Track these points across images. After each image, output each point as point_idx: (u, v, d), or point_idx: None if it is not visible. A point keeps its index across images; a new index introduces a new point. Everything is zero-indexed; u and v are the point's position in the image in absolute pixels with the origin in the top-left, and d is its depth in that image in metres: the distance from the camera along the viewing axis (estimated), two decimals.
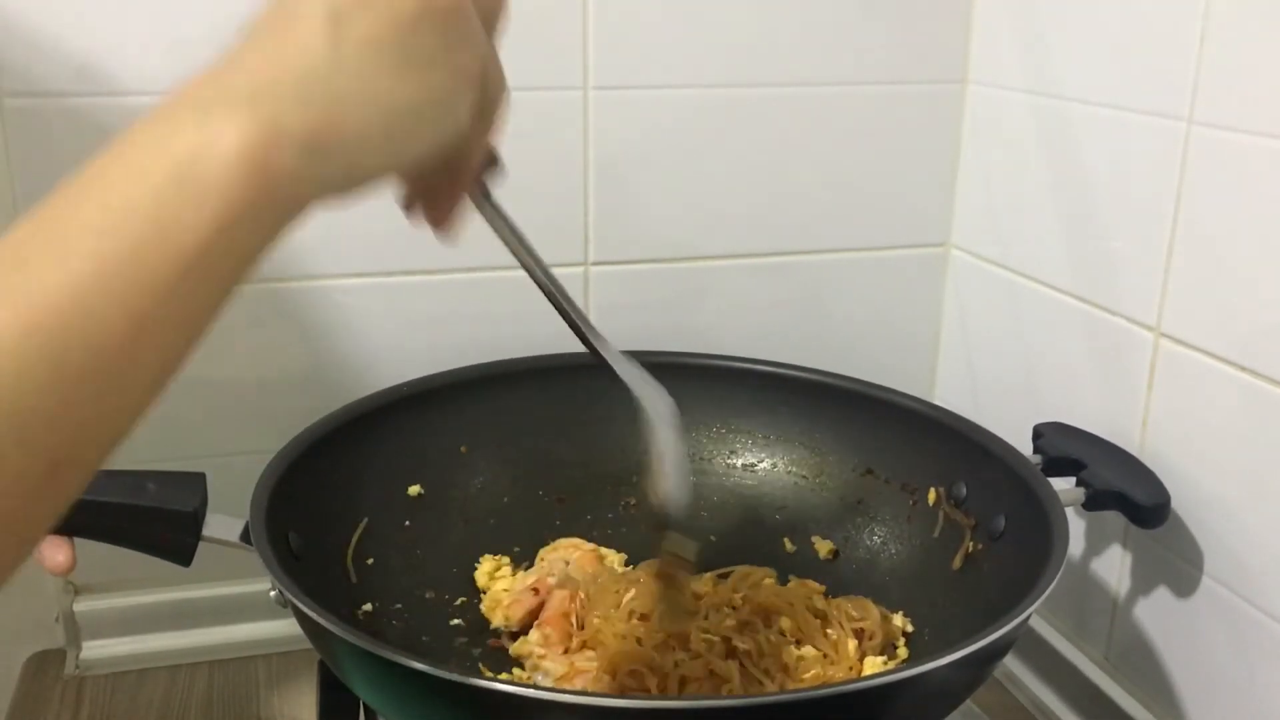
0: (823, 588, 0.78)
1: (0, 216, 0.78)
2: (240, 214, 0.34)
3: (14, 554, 0.33)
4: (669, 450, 0.60)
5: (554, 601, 0.75)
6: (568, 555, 0.80)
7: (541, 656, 0.71)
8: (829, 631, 0.73)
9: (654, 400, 0.61)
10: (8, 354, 0.31)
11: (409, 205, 0.47)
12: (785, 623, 0.73)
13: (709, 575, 0.78)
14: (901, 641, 0.75)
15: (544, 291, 0.57)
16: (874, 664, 0.71)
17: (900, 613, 0.76)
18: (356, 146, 0.38)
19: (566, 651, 0.71)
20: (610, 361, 0.59)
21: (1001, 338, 0.94)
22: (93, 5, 0.76)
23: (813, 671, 0.69)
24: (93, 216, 0.33)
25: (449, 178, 0.47)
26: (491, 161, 0.50)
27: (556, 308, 0.57)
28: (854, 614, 0.74)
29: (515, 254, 0.55)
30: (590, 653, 0.70)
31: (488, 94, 0.45)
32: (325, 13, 0.38)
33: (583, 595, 0.74)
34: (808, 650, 0.71)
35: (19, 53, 0.76)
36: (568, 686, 0.67)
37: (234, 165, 0.34)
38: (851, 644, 0.71)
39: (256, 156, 0.34)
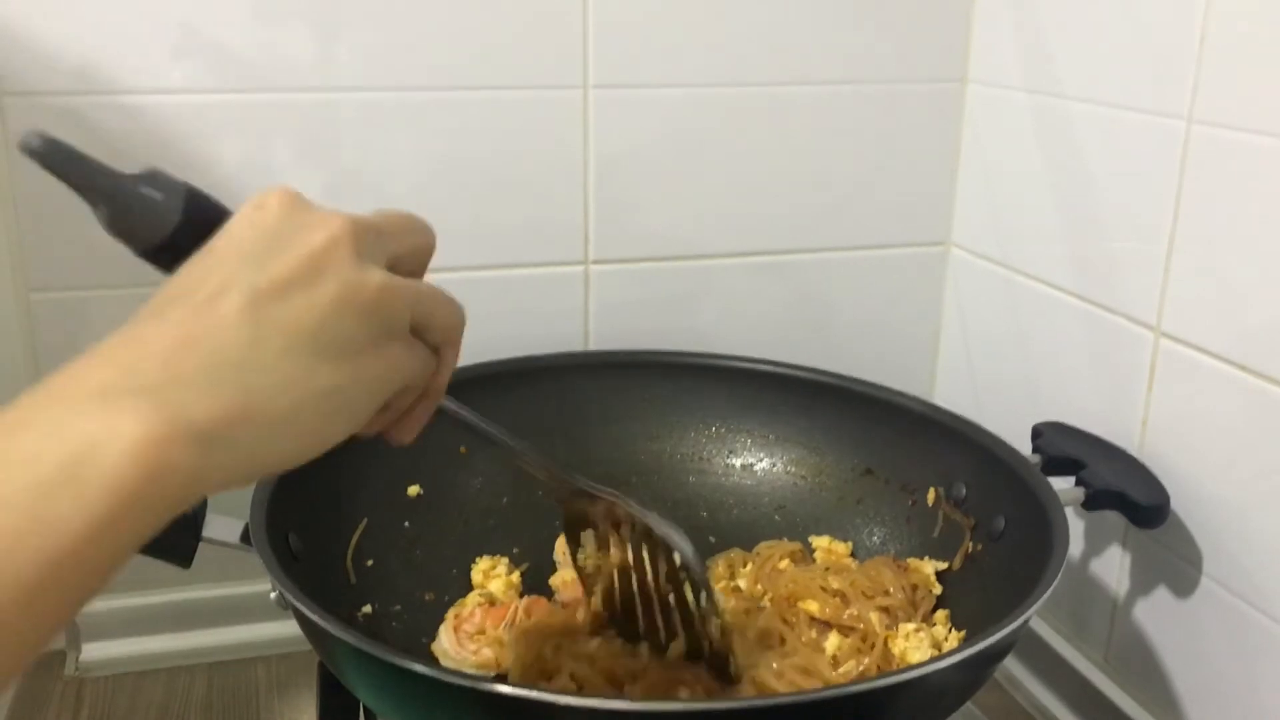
0: (845, 548, 0.80)
1: (0, 216, 0.78)
2: (127, 510, 0.32)
3: None
4: (664, 526, 0.63)
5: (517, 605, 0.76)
6: (568, 571, 0.80)
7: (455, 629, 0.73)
8: (851, 610, 0.73)
9: (677, 541, 0.62)
10: None
11: (369, 431, 0.46)
12: (811, 606, 0.73)
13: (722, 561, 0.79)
14: (936, 589, 0.75)
15: (538, 471, 0.61)
16: (906, 630, 0.71)
17: (927, 558, 0.77)
18: (264, 436, 0.37)
19: (471, 637, 0.73)
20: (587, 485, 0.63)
21: (1001, 337, 0.94)
22: (93, 5, 0.76)
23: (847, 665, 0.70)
24: None
25: (412, 406, 0.47)
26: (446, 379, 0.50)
27: (551, 478, 0.61)
28: (869, 591, 0.74)
29: (490, 441, 0.58)
30: (487, 651, 0.71)
31: (443, 328, 0.45)
32: (244, 298, 0.37)
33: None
34: (833, 639, 0.71)
35: (19, 53, 0.76)
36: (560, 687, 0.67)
37: (128, 461, 0.32)
38: (874, 616, 0.72)
39: (153, 453, 0.33)
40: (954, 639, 0.71)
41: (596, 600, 0.69)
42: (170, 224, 0.43)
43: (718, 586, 0.77)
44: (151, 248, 0.43)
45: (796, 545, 0.82)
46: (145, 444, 0.33)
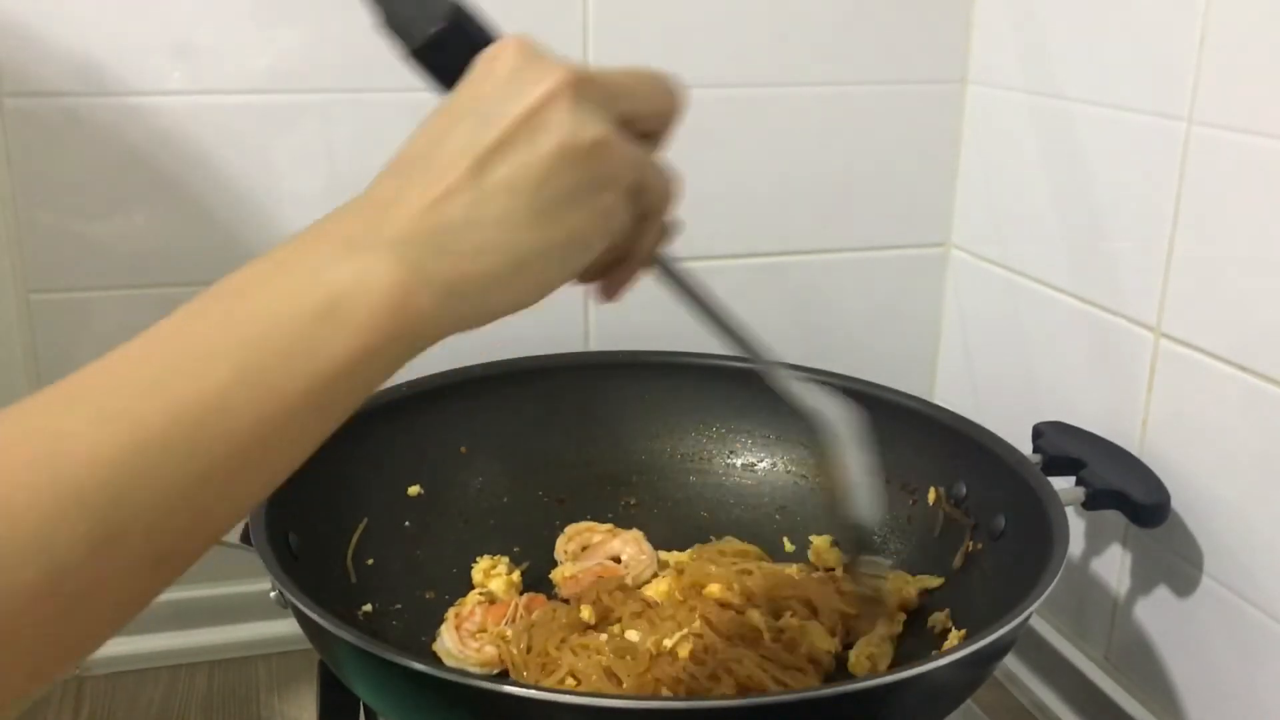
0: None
1: (0, 216, 0.78)
2: (376, 349, 0.37)
3: (104, 631, 0.35)
4: (855, 467, 0.61)
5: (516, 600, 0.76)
6: (573, 565, 0.80)
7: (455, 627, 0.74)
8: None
9: (834, 414, 0.62)
10: (141, 449, 0.33)
11: (581, 282, 0.48)
12: (714, 590, 0.75)
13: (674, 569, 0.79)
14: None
15: (727, 334, 0.60)
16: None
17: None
18: (488, 289, 0.40)
19: (473, 635, 0.73)
20: (782, 382, 0.61)
21: (1001, 338, 0.94)
22: (93, 5, 0.76)
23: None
24: (243, 329, 0.36)
25: (618, 268, 0.48)
26: (665, 237, 0.51)
27: (734, 340, 0.60)
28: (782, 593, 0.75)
29: (699, 313, 0.58)
30: (490, 649, 0.71)
31: (652, 196, 0.46)
32: (469, 158, 0.40)
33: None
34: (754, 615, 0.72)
35: (19, 53, 0.76)
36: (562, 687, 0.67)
37: (379, 306, 0.37)
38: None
39: (399, 299, 0.37)
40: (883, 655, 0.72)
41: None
42: (433, 28, 0.45)
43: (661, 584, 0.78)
44: (415, 48, 0.45)
45: (751, 547, 0.82)
46: (396, 290, 0.37)
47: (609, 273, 0.48)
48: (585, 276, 0.47)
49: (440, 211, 0.39)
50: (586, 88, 0.42)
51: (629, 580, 0.78)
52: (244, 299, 0.37)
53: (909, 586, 0.75)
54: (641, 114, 0.44)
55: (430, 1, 0.46)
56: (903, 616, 0.74)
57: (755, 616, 0.72)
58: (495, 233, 0.40)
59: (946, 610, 0.73)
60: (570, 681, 0.67)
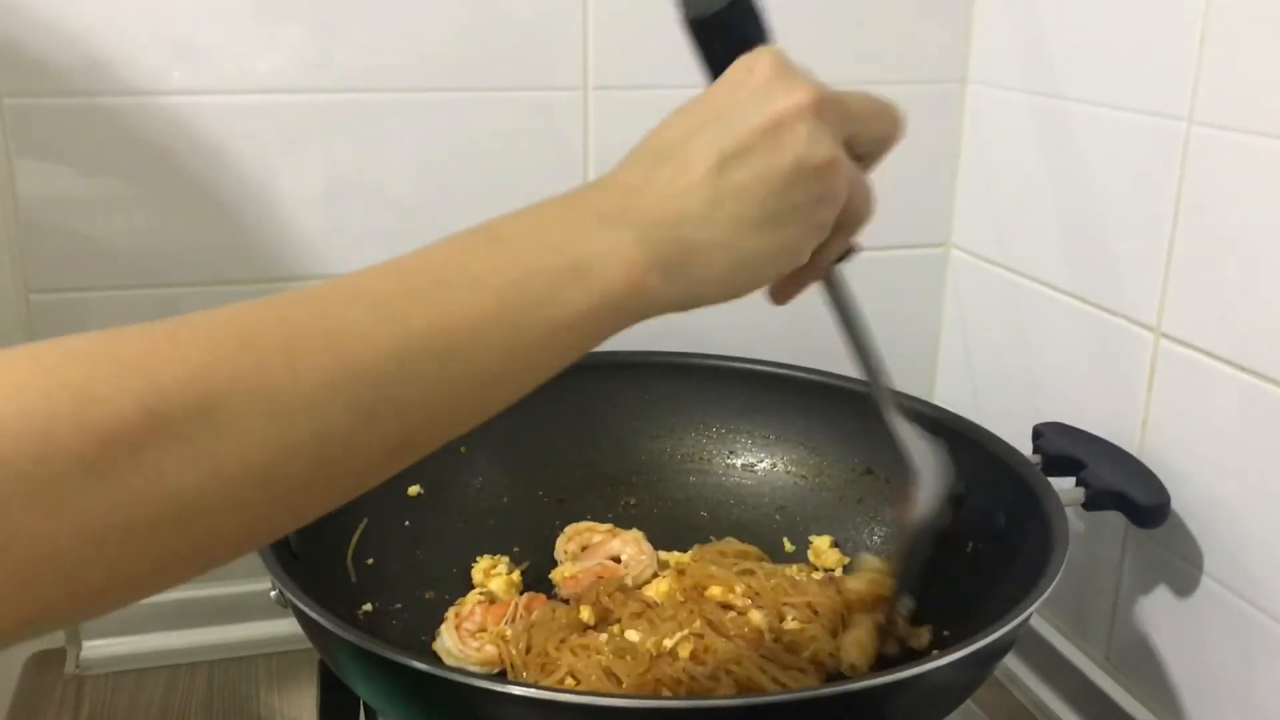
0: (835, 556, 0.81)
1: (0, 216, 0.78)
2: (606, 310, 0.42)
3: (341, 497, 0.40)
4: (925, 529, 0.64)
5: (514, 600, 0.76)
6: (573, 565, 0.81)
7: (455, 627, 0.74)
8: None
9: (928, 466, 0.65)
10: (410, 348, 0.38)
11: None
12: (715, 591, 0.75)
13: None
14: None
15: (867, 373, 0.63)
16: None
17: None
18: (706, 282, 0.45)
19: (473, 635, 0.73)
20: (891, 419, 0.65)
21: (1001, 338, 0.94)
22: (94, 5, 0.76)
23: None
24: (508, 269, 0.41)
25: (800, 274, 0.51)
26: (849, 252, 0.55)
27: (873, 382, 0.63)
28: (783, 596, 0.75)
29: (846, 331, 0.61)
30: (490, 648, 0.71)
31: (851, 213, 0.49)
32: (712, 158, 0.44)
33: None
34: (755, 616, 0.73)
35: (20, 53, 0.76)
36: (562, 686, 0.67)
37: (619, 276, 0.42)
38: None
39: (636, 275, 0.42)
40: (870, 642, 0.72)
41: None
42: (718, 5, 0.49)
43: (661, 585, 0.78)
44: (694, 18, 0.50)
45: (752, 549, 0.82)
46: (635, 266, 0.42)
47: (788, 279, 0.52)
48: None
49: (681, 204, 0.44)
50: (828, 108, 0.45)
51: (629, 580, 0.78)
52: (510, 244, 0.42)
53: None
54: (866, 137, 0.48)
55: None
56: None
57: (756, 617, 0.72)
58: (724, 233, 0.44)
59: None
60: (570, 681, 0.67)
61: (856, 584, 0.75)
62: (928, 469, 0.64)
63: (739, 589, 0.75)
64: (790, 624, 0.73)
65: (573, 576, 0.79)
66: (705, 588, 0.76)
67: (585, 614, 0.72)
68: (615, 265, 0.42)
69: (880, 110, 0.50)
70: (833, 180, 0.46)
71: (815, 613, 0.74)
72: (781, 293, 0.53)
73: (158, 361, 0.34)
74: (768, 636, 0.71)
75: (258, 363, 0.35)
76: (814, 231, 0.47)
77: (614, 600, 0.74)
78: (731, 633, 0.71)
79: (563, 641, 0.70)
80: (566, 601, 0.77)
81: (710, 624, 0.71)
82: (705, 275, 0.44)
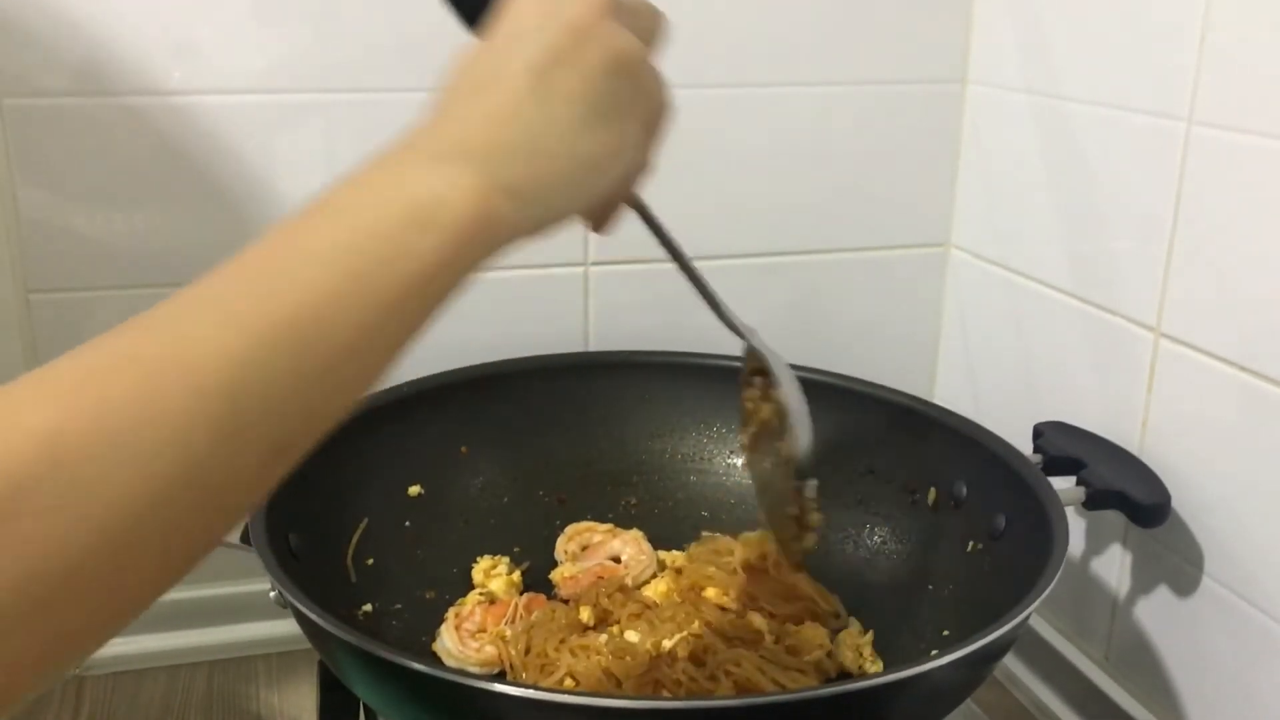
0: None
1: (0, 216, 0.78)
2: (461, 250, 0.40)
3: (228, 521, 0.37)
4: (796, 402, 0.65)
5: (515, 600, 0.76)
6: (588, 539, 0.81)
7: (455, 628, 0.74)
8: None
9: (779, 360, 0.66)
10: (261, 348, 0.36)
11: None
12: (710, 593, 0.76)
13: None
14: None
15: (686, 273, 0.62)
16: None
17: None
18: (553, 193, 0.44)
19: (473, 635, 0.73)
20: (740, 330, 0.66)
21: (1001, 338, 0.94)
22: (94, 5, 0.76)
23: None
24: (339, 237, 0.39)
25: (615, 194, 0.50)
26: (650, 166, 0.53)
27: (694, 284, 0.63)
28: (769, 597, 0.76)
29: (660, 241, 0.60)
30: (490, 648, 0.71)
31: (656, 112, 0.48)
32: (529, 72, 0.43)
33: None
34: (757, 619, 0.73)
35: (20, 53, 0.76)
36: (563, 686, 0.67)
37: (465, 211, 0.40)
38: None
39: (482, 205, 0.40)
40: (866, 643, 0.73)
41: (743, 438, 0.71)
42: None
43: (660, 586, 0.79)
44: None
45: (716, 543, 0.82)
46: (479, 195, 0.40)
47: (604, 205, 0.51)
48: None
49: (511, 123, 0.43)
50: (615, 6, 0.45)
51: (629, 581, 0.78)
52: (342, 213, 0.40)
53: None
54: (645, 32, 0.47)
55: None
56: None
57: (757, 620, 0.72)
58: (559, 140, 0.43)
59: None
60: (569, 682, 0.67)
61: (747, 552, 0.77)
62: (775, 357, 0.66)
63: (733, 592, 0.75)
64: (789, 627, 0.73)
65: (572, 577, 0.79)
66: (703, 589, 0.76)
67: (585, 614, 0.72)
68: (459, 200, 0.40)
69: (649, 7, 0.49)
70: (645, 72, 0.46)
71: (814, 614, 0.75)
72: (601, 218, 0.52)
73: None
74: (768, 639, 0.71)
75: (111, 410, 0.33)
76: (644, 125, 0.47)
77: (613, 601, 0.74)
78: (730, 634, 0.71)
79: (562, 642, 0.70)
80: (566, 602, 0.77)
81: (709, 625, 0.71)
82: (553, 186, 0.44)
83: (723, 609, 0.74)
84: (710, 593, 0.76)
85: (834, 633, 0.74)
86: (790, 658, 0.69)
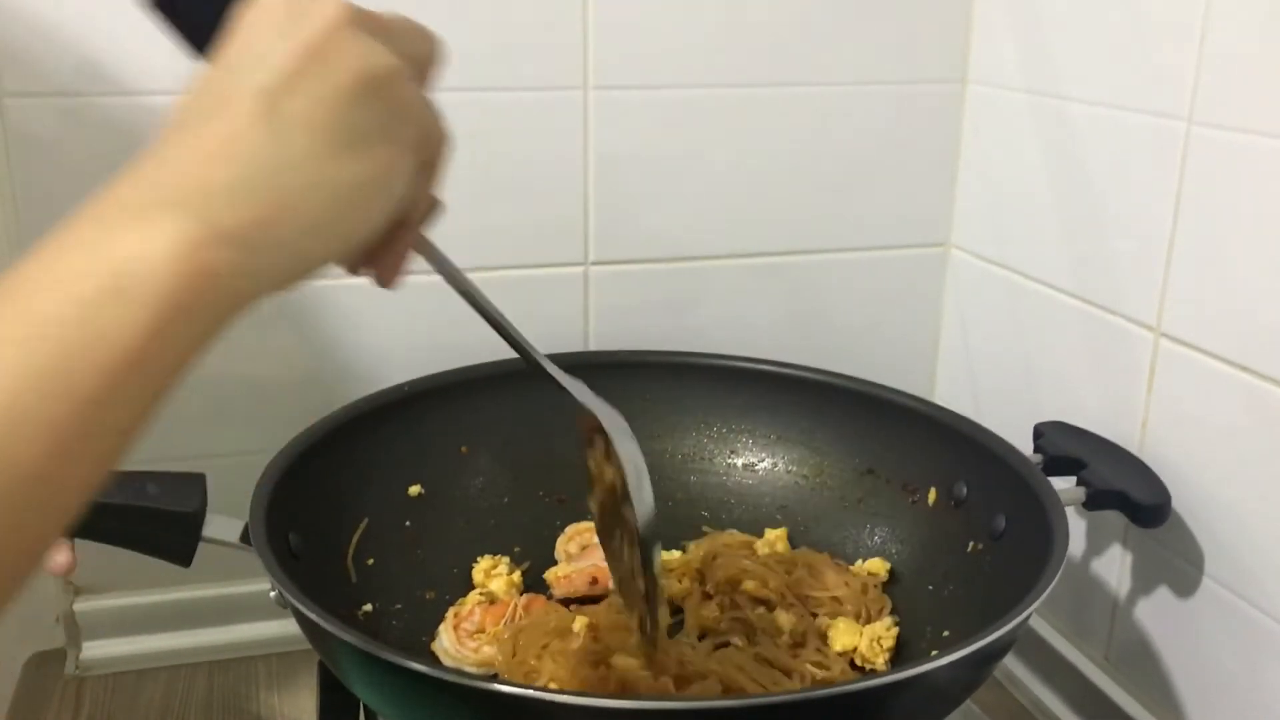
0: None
1: (0, 215, 0.78)
2: (174, 318, 0.33)
3: None
4: (635, 464, 0.59)
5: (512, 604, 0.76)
6: (567, 566, 0.80)
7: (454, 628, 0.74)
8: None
9: (610, 414, 0.60)
10: None
11: (354, 268, 0.45)
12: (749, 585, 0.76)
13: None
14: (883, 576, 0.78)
15: (488, 319, 0.54)
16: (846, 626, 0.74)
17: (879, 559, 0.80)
18: (301, 236, 0.37)
19: (471, 635, 0.73)
20: (558, 377, 0.58)
21: (1001, 338, 0.94)
22: (94, 5, 0.76)
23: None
24: (14, 329, 0.32)
25: (396, 236, 0.44)
26: (432, 207, 0.48)
27: (501, 333, 0.55)
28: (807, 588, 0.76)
29: (455, 286, 0.53)
30: (488, 649, 0.71)
31: (429, 151, 0.44)
32: (256, 96, 0.37)
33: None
34: (783, 617, 0.73)
35: (20, 53, 0.76)
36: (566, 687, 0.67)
37: (168, 269, 0.33)
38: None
39: (192, 259, 0.34)
40: (889, 637, 0.73)
41: (592, 505, 0.66)
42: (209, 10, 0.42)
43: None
44: (197, 36, 0.43)
45: (745, 537, 0.83)
46: (181, 251, 0.33)
47: (384, 247, 0.44)
48: (364, 256, 0.44)
49: (234, 159, 0.36)
50: (364, 20, 0.39)
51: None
52: (25, 290, 0.33)
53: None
54: (410, 55, 0.42)
55: None
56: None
57: (784, 618, 0.72)
58: (297, 174, 0.37)
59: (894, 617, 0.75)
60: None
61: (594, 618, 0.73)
62: (613, 419, 0.59)
63: (772, 583, 0.75)
64: (811, 620, 0.73)
65: (566, 576, 0.79)
66: (739, 582, 0.76)
67: (577, 625, 0.71)
68: (162, 260, 0.33)
69: (416, 28, 0.43)
70: (402, 89, 0.40)
71: (840, 605, 0.75)
72: (383, 265, 0.45)
73: None
74: (786, 637, 0.71)
75: None
76: (405, 150, 0.41)
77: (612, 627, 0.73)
78: (758, 629, 0.72)
79: (544, 648, 0.69)
80: (566, 603, 0.77)
81: (740, 623, 0.72)
82: (302, 225, 0.37)
83: (757, 600, 0.74)
84: (748, 585, 0.76)
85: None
86: (818, 653, 0.70)
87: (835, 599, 0.75)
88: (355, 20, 0.39)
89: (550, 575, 0.80)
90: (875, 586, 0.77)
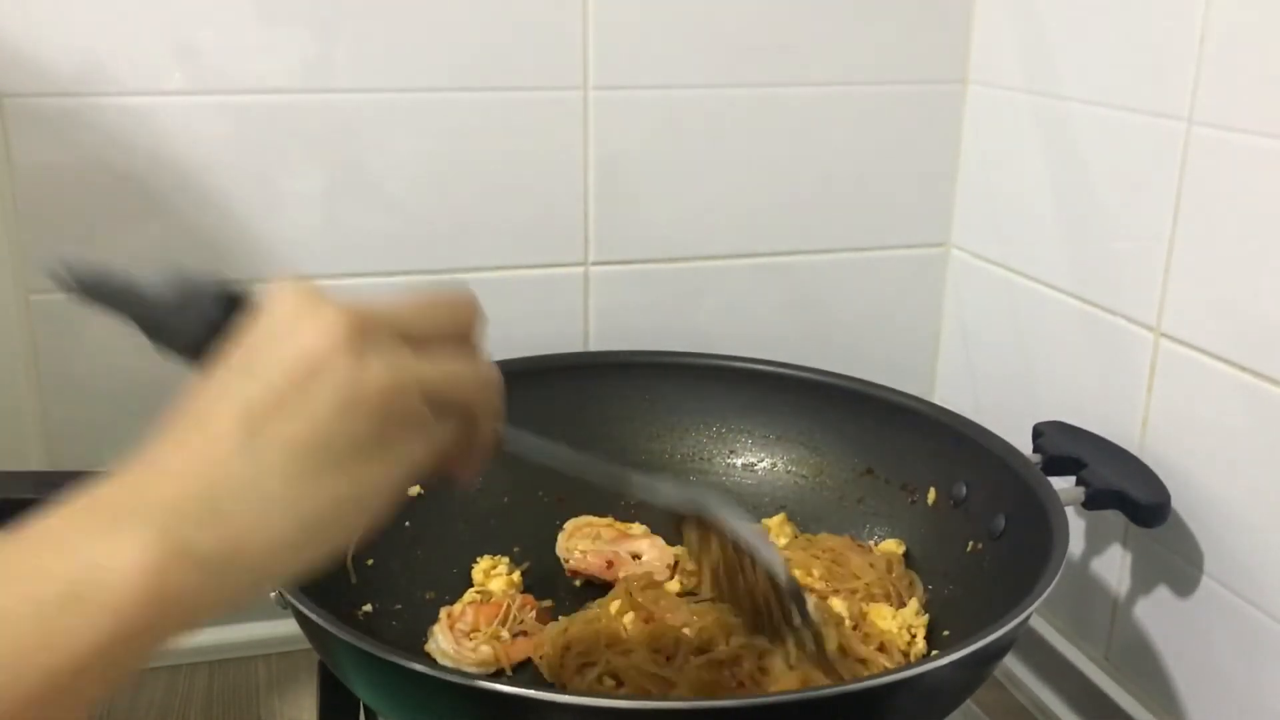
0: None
1: (0, 215, 0.78)
2: (130, 632, 0.33)
3: None
4: (749, 533, 0.61)
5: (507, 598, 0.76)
6: (589, 544, 0.81)
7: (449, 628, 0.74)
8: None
9: (715, 501, 0.61)
10: None
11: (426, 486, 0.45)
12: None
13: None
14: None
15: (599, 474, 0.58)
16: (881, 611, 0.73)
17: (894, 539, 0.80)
18: (269, 558, 0.37)
19: (467, 635, 0.73)
20: (663, 498, 0.60)
21: (1001, 338, 0.94)
22: (94, 7, 0.76)
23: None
24: None
25: (461, 465, 0.45)
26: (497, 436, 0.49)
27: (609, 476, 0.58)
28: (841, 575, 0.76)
29: (556, 466, 0.55)
30: (485, 648, 0.71)
31: (464, 410, 0.43)
32: (239, 418, 0.37)
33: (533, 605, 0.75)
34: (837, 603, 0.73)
35: (20, 54, 0.76)
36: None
37: (131, 585, 0.33)
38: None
39: (155, 578, 0.33)
40: (920, 623, 0.72)
41: (707, 587, 0.66)
42: (201, 333, 0.42)
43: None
44: (193, 354, 0.42)
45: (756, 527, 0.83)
46: (146, 571, 0.33)
47: (451, 470, 0.45)
48: (430, 480, 0.44)
49: (212, 475, 0.36)
50: (367, 328, 0.39)
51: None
52: None
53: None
54: (435, 335, 0.42)
55: (184, 309, 0.42)
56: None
57: (837, 604, 0.72)
58: (273, 499, 0.37)
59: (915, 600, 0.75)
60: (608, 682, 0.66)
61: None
62: (721, 507, 0.61)
63: (816, 572, 0.75)
64: (861, 607, 0.73)
65: (584, 553, 0.79)
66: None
67: (614, 608, 0.71)
68: (121, 575, 0.33)
69: (438, 304, 0.43)
70: (397, 403, 0.39)
71: (883, 595, 0.75)
72: (462, 475, 0.46)
73: None
74: (848, 623, 0.71)
75: None
76: (399, 465, 0.40)
77: (647, 597, 0.72)
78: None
79: (606, 646, 0.69)
80: (574, 579, 0.77)
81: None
82: (265, 551, 0.37)
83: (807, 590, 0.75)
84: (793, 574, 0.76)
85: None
86: (862, 647, 0.70)
87: (867, 584, 0.75)
88: (354, 329, 0.38)
89: (563, 547, 0.80)
90: (899, 563, 0.77)
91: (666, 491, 0.60)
